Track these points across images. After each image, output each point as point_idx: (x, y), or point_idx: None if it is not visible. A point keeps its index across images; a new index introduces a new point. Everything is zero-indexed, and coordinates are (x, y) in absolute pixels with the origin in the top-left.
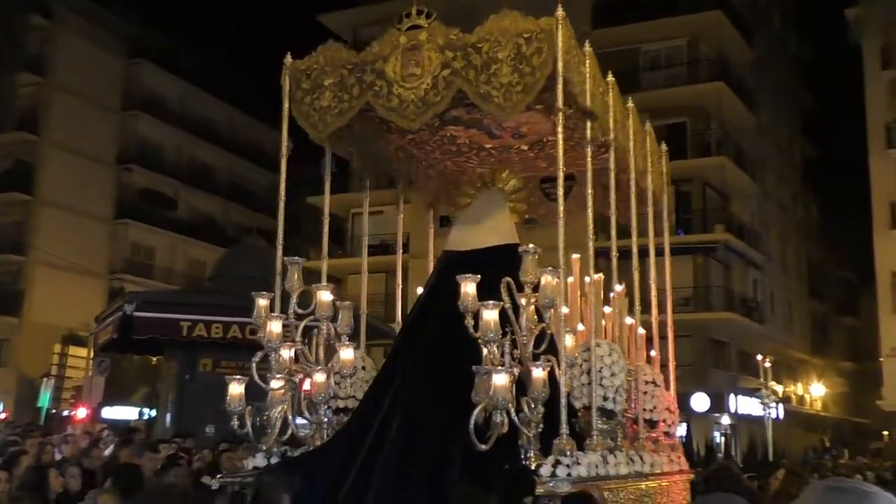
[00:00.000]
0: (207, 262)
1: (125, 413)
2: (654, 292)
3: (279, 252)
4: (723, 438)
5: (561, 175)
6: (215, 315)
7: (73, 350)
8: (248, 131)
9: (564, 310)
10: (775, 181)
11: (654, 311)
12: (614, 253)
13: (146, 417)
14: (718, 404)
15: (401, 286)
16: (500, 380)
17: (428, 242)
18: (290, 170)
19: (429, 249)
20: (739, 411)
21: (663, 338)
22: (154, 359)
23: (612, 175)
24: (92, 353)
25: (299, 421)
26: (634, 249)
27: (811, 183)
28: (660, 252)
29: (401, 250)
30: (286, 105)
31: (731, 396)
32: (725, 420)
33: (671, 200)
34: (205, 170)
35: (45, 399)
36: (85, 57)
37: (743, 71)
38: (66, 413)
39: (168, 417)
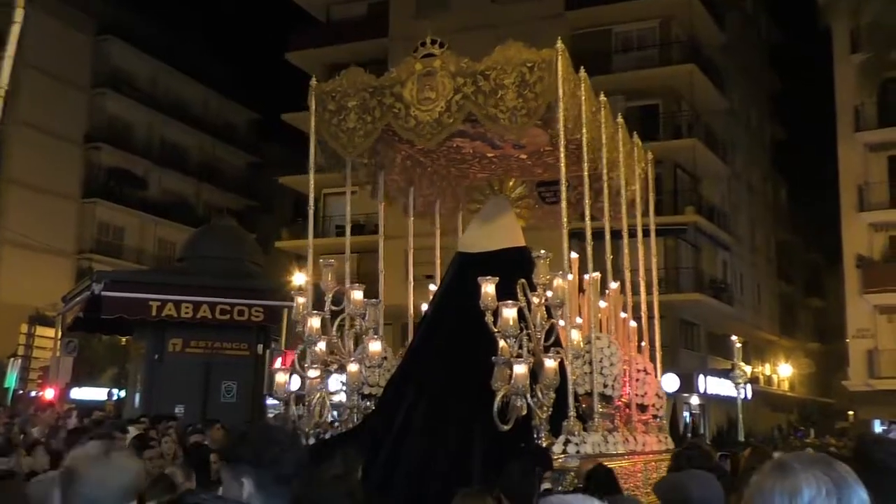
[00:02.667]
0: (178, 243)
1: (94, 394)
2: (642, 275)
3: (310, 252)
4: (692, 418)
5: (564, 190)
6: (185, 295)
7: (40, 330)
8: (220, 110)
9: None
10: (745, 163)
11: (642, 293)
12: (609, 255)
13: (115, 398)
14: (688, 385)
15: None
16: (521, 369)
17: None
18: (262, 150)
19: (435, 244)
20: (708, 391)
21: (639, 318)
22: (123, 339)
23: (606, 185)
24: (60, 333)
25: (270, 401)
26: (626, 251)
27: (780, 165)
28: (636, 233)
29: (411, 251)
30: (313, 123)
31: (701, 377)
32: (695, 400)
33: (654, 203)
34: (176, 149)
35: (11, 379)
36: (52, 33)
37: (714, 53)
38: (33, 394)
39: (137, 398)
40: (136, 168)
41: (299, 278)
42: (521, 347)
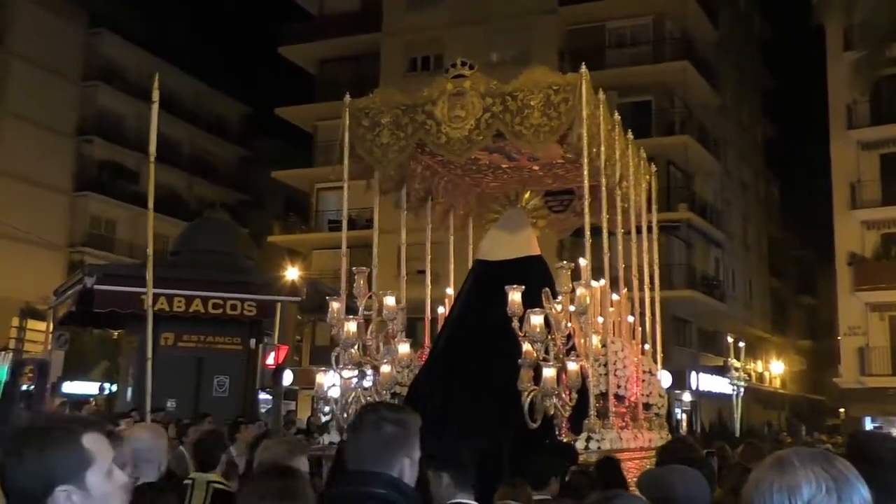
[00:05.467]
0: (170, 237)
1: (85, 388)
2: (646, 276)
3: (344, 262)
4: (684, 415)
5: (587, 204)
6: (177, 289)
7: (31, 324)
8: (211, 104)
9: (600, 319)
10: (737, 160)
11: (646, 292)
12: (621, 264)
13: (107, 392)
14: (680, 381)
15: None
16: (549, 372)
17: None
18: (254, 143)
19: (449, 248)
20: (700, 388)
21: (641, 315)
22: (115, 333)
23: (620, 197)
24: (51, 327)
25: (263, 396)
26: (634, 258)
27: (773, 162)
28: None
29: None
30: (346, 138)
31: (693, 374)
32: (687, 397)
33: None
34: (167, 143)
35: (2, 373)
36: (43, 25)
37: (707, 50)
38: (24, 388)
39: (129, 392)
40: (128, 161)
41: (292, 273)
42: (547, 352)
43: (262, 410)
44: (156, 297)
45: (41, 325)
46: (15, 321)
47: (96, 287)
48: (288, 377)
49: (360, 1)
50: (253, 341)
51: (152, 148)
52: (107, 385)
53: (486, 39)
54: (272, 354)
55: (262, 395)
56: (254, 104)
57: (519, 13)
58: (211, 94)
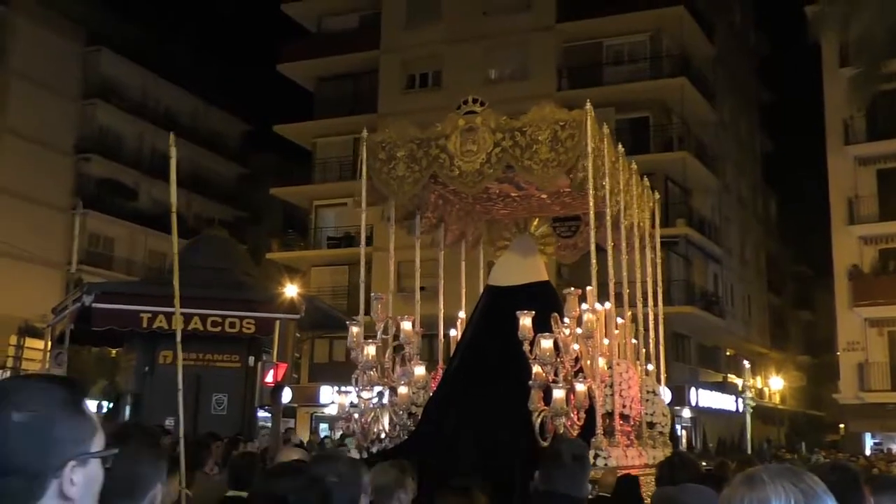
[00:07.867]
0: (168, 254)
1: None
2: (650, 296)
3: (362, 287)
4: (684, 431)
5: (593, 234)
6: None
7: (29, 342)
8: (210, 121)
9: (605, 341)
10: (735, 176)
11: (650, 312)
12: (626, 289)
13: (105, 410)
14: (679, 398)
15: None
16: (559, 393)
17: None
18: (252, 160)
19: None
20: (700, 404)
21: (646, 332)
22: (113, 351)
23: (624, 226)
24: (49, 345)
25: (261, 414)
26: (638, 282)
27: (771, 177)
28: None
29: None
30: (364, 170)
31: (692, 390)
32: (686, 413)
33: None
34: (166, 160)
35: None
36: (43, 43)
37: (704, 66)
38: None
39: (127, 410)
40: (127, 179)
41: (291, 290)
42: (556, 374)
43: (261, 428)
44: (154, 314)
45: (39, 344)
46: (13, 339)
47: (94, 305)
48: (287, 395)
49: (358, 18)
50: (251, 359)
51: (173, 199)
52: (105, 403)
53: (484, 56)
54: (271, 372)
55: (261, 413)
56: (252, 121)
57: (517, 30)
58: (209, 111)
